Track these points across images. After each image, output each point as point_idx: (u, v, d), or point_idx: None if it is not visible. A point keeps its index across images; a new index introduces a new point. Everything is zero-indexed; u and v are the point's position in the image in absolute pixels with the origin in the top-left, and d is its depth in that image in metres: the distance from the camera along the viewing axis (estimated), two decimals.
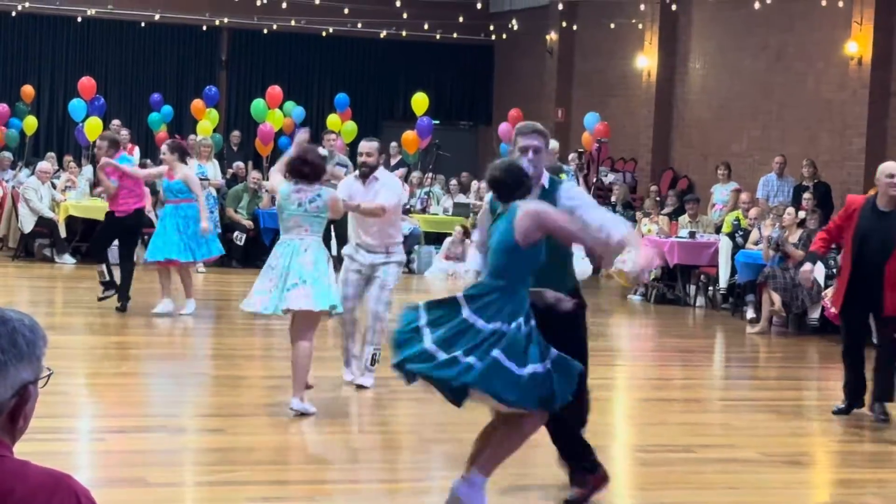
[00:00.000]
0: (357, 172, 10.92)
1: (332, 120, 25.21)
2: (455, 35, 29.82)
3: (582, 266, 12.46)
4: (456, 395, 6.56)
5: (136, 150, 24.05)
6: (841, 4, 20.42)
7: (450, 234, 21.06)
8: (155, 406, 9.82)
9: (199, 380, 11.12)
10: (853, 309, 10.25)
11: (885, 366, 10.47)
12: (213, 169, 19.98)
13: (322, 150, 11.71)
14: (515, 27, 29.11)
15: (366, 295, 10.74)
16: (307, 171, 9.61)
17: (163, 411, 9.66)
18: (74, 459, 8.09)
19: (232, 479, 7.62)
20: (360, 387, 10.66)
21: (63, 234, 19.88)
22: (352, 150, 22.92)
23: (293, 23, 28.57)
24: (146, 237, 15.87)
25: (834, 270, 10.25)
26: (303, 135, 10.20)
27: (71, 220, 20.00)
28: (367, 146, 10.85)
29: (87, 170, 22.88)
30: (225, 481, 7.59)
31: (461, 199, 22.80)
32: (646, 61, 25.35)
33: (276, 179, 9.94)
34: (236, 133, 25.41)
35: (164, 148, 14.83)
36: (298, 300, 9.34)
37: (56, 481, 2.90)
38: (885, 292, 10.10)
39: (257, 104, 24.90)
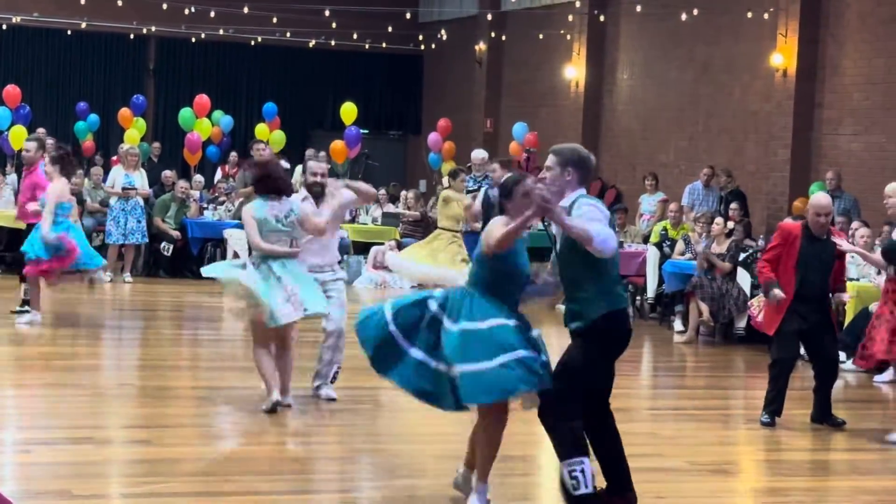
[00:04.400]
0: (306, 192, 10.54)
1: (261, 129, 25.14)
2: (384, 45, 29.81)
3: None
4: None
5: None
6: (766, 17, 20.63)
7: (380, 244, 20.99)
8: (81, 417, 9.72)
9: (125, 391, 11.04)
10: (791, 327, 10.53)
11: (825, 387, 10.83)
12: (140, 178, 19.79)
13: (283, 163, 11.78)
14: (444, 37, 29.16)
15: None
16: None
17: (89, 423, 9.57)
18: None
19: (159, 491, 7.57)
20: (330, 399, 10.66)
21: None
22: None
23: (221, 32, 28.45)
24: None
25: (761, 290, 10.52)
26: None
27: None
28: (320, 167, 10.66)
29: (12, 178, 22.65)
30: (152, 493, 7.54)
31: (390, 208, 22.76)
32: (574, 72, 25.47)
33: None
34: (156, 145, 25.29)
35: (47, 159, 14.19)
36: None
37: None
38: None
39: (185, 113, 24.76)
